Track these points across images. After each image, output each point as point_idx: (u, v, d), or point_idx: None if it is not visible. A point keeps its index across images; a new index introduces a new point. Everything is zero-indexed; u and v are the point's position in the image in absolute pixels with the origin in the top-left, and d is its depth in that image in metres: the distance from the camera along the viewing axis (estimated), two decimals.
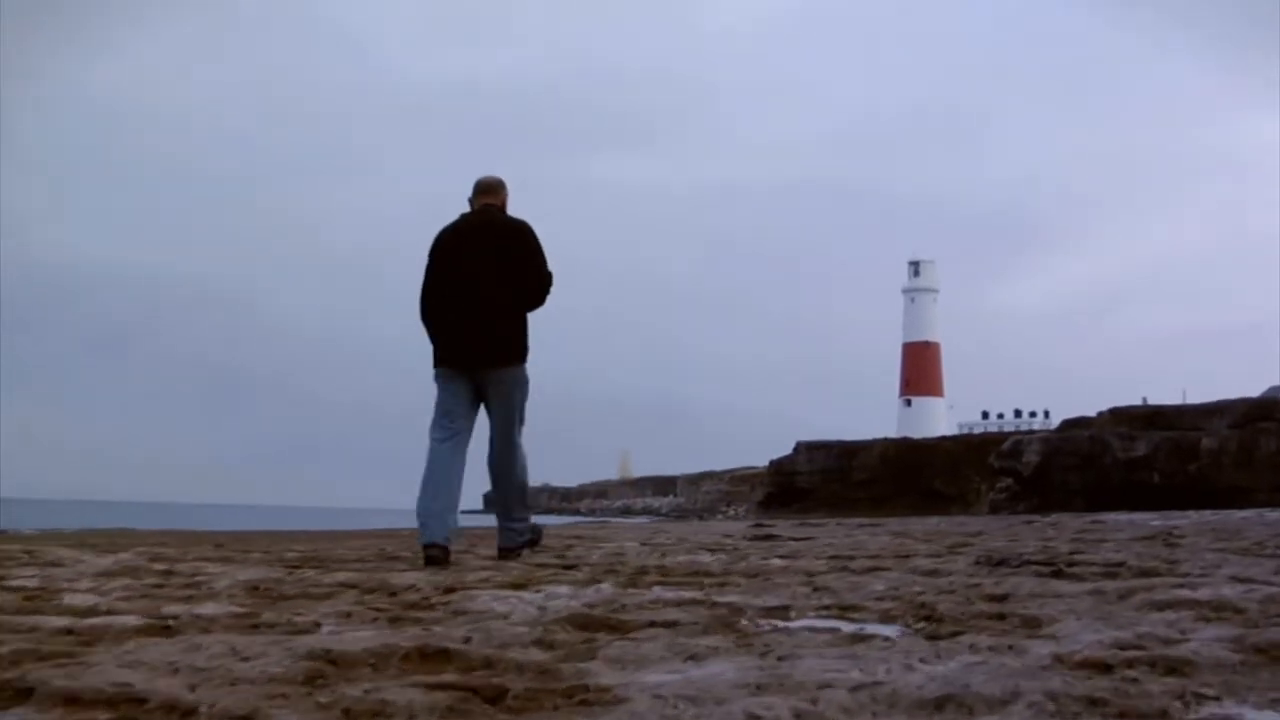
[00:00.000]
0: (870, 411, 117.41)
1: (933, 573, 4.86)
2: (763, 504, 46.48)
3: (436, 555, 6.35)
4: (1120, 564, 4.99)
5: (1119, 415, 35.76)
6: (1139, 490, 31.75)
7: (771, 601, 3.78)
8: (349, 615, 3.37)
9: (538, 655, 2.60)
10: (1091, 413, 38.59)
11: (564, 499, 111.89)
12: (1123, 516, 19.05)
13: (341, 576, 4.78)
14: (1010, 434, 41.10)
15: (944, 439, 45.98)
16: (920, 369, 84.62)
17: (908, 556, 6.04)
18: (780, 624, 3.26)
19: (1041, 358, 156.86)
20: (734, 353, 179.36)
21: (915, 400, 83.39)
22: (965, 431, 64.83)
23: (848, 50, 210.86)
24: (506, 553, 6.98)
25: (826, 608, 3.68)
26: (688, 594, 4.02)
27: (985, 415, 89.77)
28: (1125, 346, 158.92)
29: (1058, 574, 4.49)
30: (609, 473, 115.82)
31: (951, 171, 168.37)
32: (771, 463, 46.58)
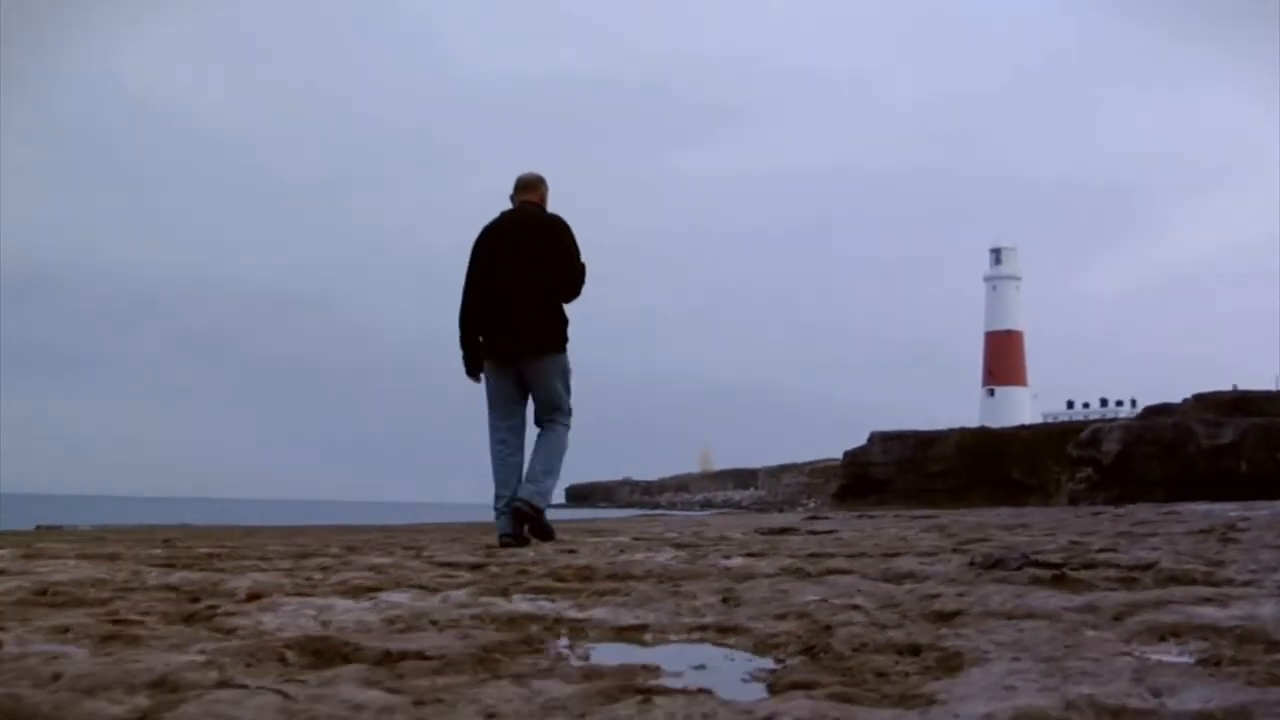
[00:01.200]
0: (953, 401, 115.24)
1: (904, 577, 3.94)
2: (837, 496, 45.36)
3: (509, 542, 6.88)
4: (1149, 565, 4.00)
5: (1204, 401, 34.18)
6: (1225, 479, 30.23)
7: (635, 619, 2.88)
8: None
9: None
10: (1179, 400, 37.03)
11: (644, 492, 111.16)
12: (1201, 507, 17.80)
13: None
14: (1090, 422, 39.61)
15: (1022, 428, 44.41)
16: (1003, 358, 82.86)
17: (895, 555, 5.06)
18: (579, 657, 2.37)
19: (1130, 344, 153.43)
20: (816, 343, 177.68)
21: (998, 390, 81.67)
22: (1050, 421, 63.02)
23: (921, 36, 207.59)
24: (524, 513, 7.17)
25: (703, 629, 2.80)
26: (530, 607, 3.11)
27: (1070, 405, 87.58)
28: (1216, 332, 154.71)
29: (1059, 580, 3.53)
30: (691, 466, 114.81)
31: (1036, 155, 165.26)
32: (846, 454, 45.38)
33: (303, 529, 11.31)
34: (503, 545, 6.75)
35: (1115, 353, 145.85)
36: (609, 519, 18.46)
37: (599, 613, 3.00)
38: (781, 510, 53.20)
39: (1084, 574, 3.65)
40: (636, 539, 7.82)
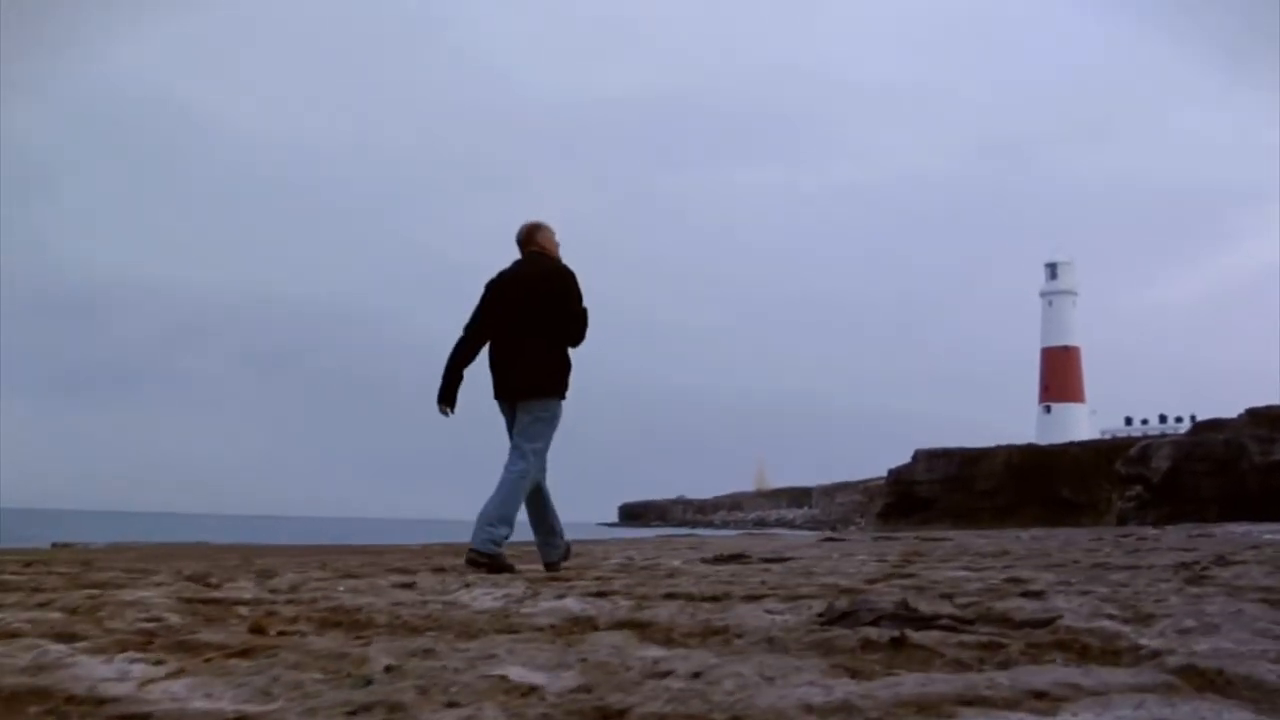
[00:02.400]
0: (1009, 418, 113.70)
1: (716, 632, 3.49)
2: (881, 515, 44.66)
3: (474, 559, 7.43)
4: (1047, 622, 3.49)
5: (1258, 416, 33.18)
6: (1279, 497, 29.32)
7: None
8: None
9: None
10: (1235, 416, 36.02)
11: (698, 511, 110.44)
12: (1240, 528, 17.13)
13: None
14: (1139, 438, 38.74)
15: (1072, 444, 43.44)
16: (1060, 374, 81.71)
17: (761, 597, 4.58)
18: None
19: (1193, 359, 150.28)
20: (873, 357, 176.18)
21: (1055, 407, 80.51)
22: (1108, 438, 61.72)
23: (979, 49, 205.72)
24: (477, 555, 7.48)
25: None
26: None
27: (1129, 421, 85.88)
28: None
29: (897, 643, 3.03)
30: (746, 484, 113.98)
31: (1094, 168, 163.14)
32: (890, 472, 44.58)
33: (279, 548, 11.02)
34: (467, 562, 7.54)
35: (1177, 368, 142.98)
36: (613, 540, 18.02)
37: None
38: (835, 529, 52.44)
39: (937, 636, 3.16)
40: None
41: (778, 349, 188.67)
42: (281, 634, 3.72)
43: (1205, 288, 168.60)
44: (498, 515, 7.60)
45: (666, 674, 2.65)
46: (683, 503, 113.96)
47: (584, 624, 3.83)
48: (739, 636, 3.44)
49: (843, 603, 3.88)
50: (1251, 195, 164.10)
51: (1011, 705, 2.22)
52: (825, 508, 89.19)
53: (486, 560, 7.41)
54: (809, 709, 2.20)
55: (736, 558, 8.92)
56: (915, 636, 3.09)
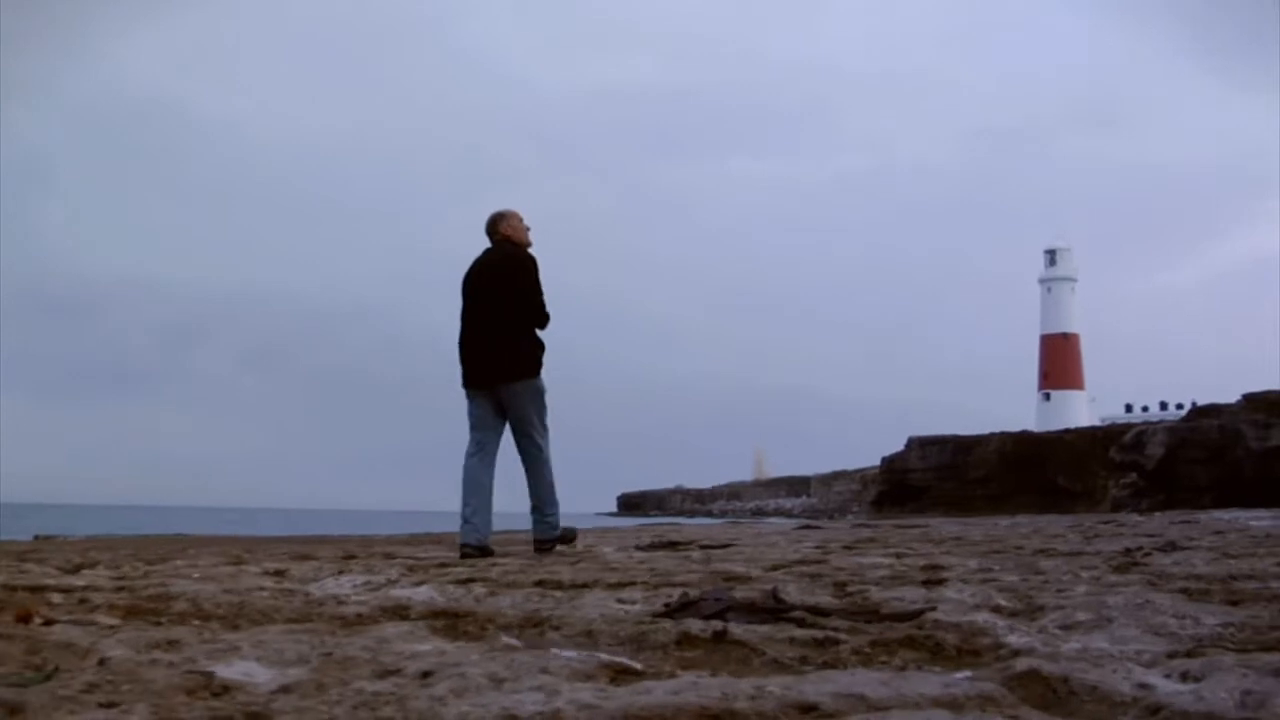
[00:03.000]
0: (1010, 405, 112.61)
1: (536, 624, 2.99)
2: (875, 504, 44.12)
3: (470, 553, 7.45)
4: (914, 615, 3.01)
5: (1255, 401, 32.59)
6: (1275, 484, 28.73)
7: None
8: None
9: None
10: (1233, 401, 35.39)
11: (696, 500, 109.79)
12: (1231, 515, 16.60)
13: None
14: (1135, 425, 38.13)
15: (1066, 432, 42.79)
16: (1059, 361, 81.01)
17: (627, 585, 4.09)
18: None
19: (1193, 347, 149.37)
20: (873, 346, 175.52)
21: (1054, 394, 79.79)
22: (1104, 425, 61.02)
23: (979, 38, 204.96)
24: (542, 544, 7.94)
25: None
26: None
27: (1129, 408, 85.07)
28: None
29: (717, 637, 2.59)
30: (745, 473, 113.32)
31: (1095, 156, 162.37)
32: (883, 460, 44.00)
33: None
34: (463, 556, 7.35)
35: (1178, 355, 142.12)
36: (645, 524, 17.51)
37: None
38: (832, 518, 51.92)
39: (766, 631, 2.68)
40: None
41: (777, 339, 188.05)
42: (49, 623, 3.26)
43: (1207, 275, 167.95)
44: (547, 507, 8.06)
45: (394, 673, 2.17)
46: (681, 492, 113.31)
47: (392, 613, 3.33)
48: (556, 629, 2.97)
49: (698, 592, 3.39)
50: (1253, 182, 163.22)
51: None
52: (823, 497, 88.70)
53: (551, 543, 7.97)
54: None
55: (673, 545, 8.46)
56: (738, 631, 2.59)
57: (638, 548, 8.36)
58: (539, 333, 8.23)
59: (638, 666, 2.25)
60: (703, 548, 7.96)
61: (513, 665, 2.14)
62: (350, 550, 8.47)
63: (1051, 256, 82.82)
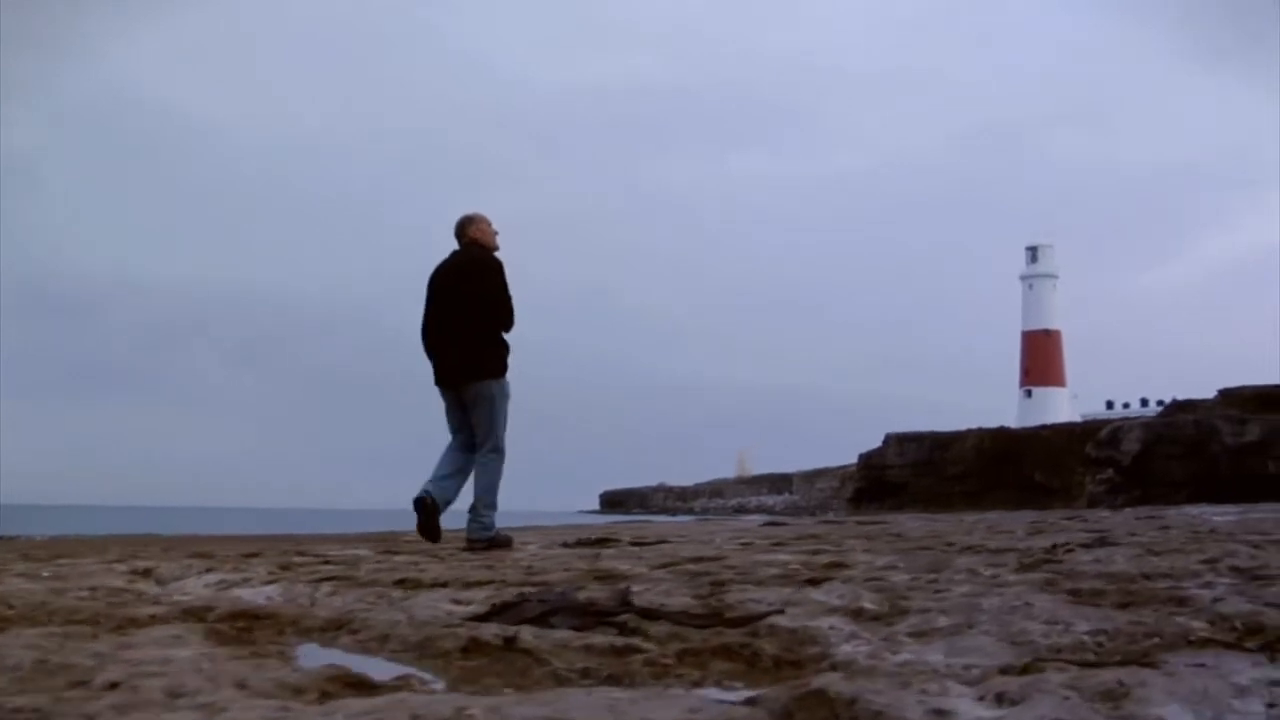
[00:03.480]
0: (992, 402, 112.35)
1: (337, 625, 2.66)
2: (853, 500, 43.85)
3: (474, 547, 7.78)
4: (759, 618, 2.69)
5: (1230, 397, 32.38)
6: (1251, 480, 28.50)
7: None
8: None
9: None
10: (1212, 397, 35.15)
11: (679, 498, 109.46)
12: (1198, 510, 16.35)
13: None
14: (1110, 421, 37.88)
15: (1044, 428, 42.54)
16: (1040, 358, 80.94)
17: (483, 585, 3.76)
18: None
19: (1175, 344, 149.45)
20: (856, 344, 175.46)
21: (1036, 391, 79.71)
22: (1081, 422, 60.87)
23: (965, 33, 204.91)
24: (473, 544, 7.93)
25: None
26: None
27: (1110, 405, 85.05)
28: (1269, 328, 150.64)
29: (507, 643, 2.26)
30: (729, 471, 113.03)
31: (1078, 153, 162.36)
32: (860, 456, 43.71)
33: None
34: (415, 507, 8.21)
35: (1160, 352, 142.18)
36: (542, 527, 17.21)
37: None
38: (813, 514, 51.71)
39: (562, 638, 2.39)
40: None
41: (760, 335, 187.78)
42: None
43: (1189, 272, 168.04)
44: (484, 502, 8.21)
45: (81, 684, 1.86)
46: (664, 490, 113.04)
47: (190, 614, 3.01)
48: (354, 633, 2.67)
49: (532, 591, 3.07)
50: (1237, 181, 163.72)
51: None
52: (805, 494, 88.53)
53: (484, 544, 7.90)
54: None
55: (602, 542, 8.25)
56: (529, 639, 2.28)
57: (563, 545, 8.04)
58: (505, 335, 8.49)
59: (376, 679, 1.92)
60: (632, 544, 7.65)
61: (214, 677, 1.81)
62: (266, 548, 8.12)
63: (1033, 253, 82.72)
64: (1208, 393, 34.55)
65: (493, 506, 8.26)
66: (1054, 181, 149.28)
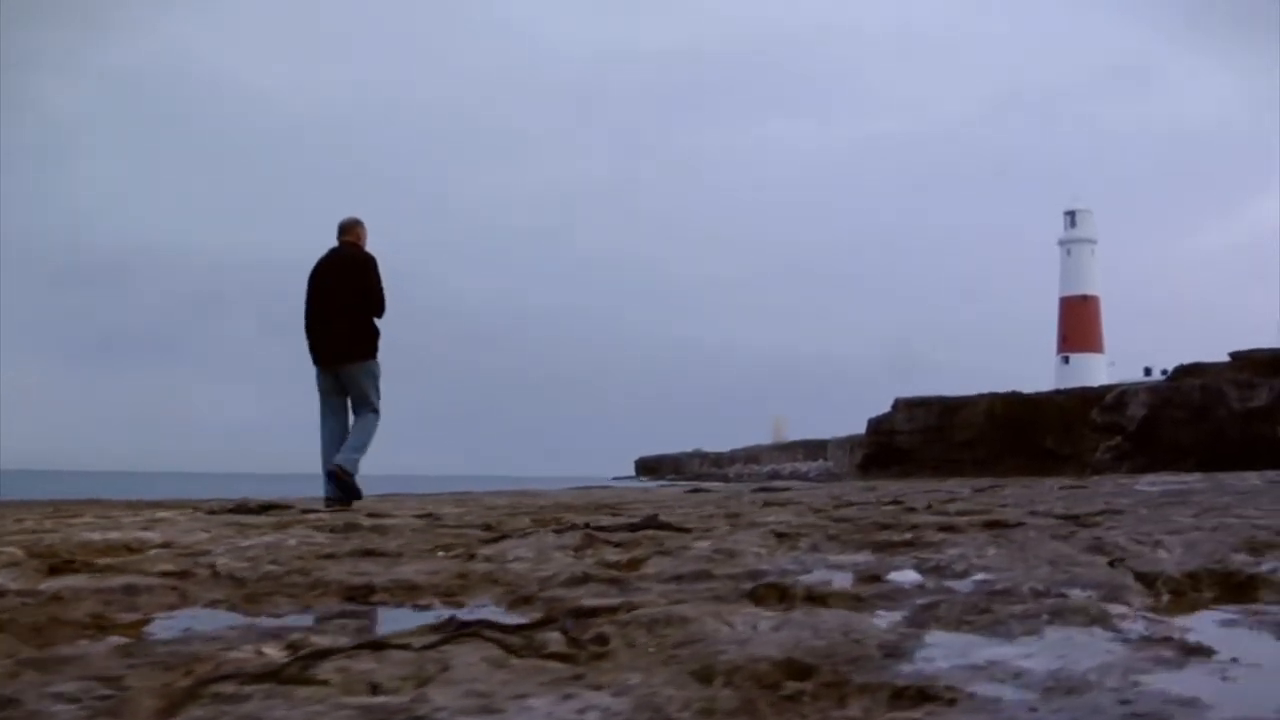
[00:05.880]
0: (1029, 368, 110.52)
1: None
2: (861, 466, 42.90)
3: (334, 505, 8.82)
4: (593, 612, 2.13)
5: (1240, 360, 31.19)
6: (1259, 447, 27.38)
7: None
8: None
9: None
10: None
11: (714, 464, 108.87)
12: (1148, 479, 15.50)
13: None
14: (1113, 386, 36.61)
15: (1057, 392, 41.32)
16: (1078, 324, 79.65)
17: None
18: None
19: (1219, 309, 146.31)
20: (894, 310, 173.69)
21: (1073, 357, 78.43)
22: (1095, 387, 59.56)
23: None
24: (342, 472, 9.19)
25: None
26: None
27: (1148, 372, 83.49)
28: None
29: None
30: (765, 437, 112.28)
31: (1120, 116, 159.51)
32: (869, 422, 42.71)
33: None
34: (327, 505, 8.86)
35: (1201, 318, 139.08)
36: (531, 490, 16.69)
37: None
38: (841, 479, 50.83)
39: None
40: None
41: (797, 302, 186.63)
42: None
43: (1233, 236, 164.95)
44: (356, 444, 9.40)
45: None
46: (699, 456, 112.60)
47: None
48: None
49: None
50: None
51: None
52: (839, 460, 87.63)
53: (344, 476, 9.15)
54: None
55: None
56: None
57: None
58: (378, 321, 9.66)
59: None
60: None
61: None
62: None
63: (1071, 218, 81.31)
64: None
65: (362, 452, 9.40)
66: (1093, 145, 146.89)
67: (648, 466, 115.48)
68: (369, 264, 9.63)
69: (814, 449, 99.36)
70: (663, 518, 5.61)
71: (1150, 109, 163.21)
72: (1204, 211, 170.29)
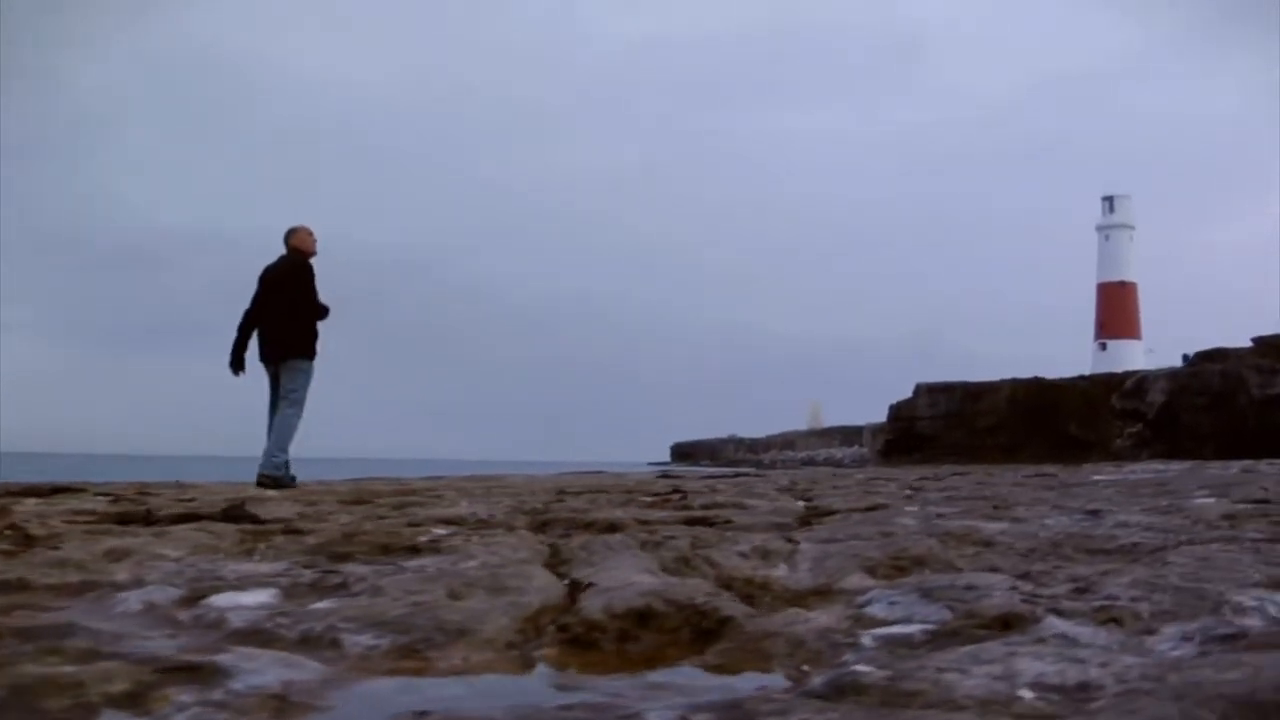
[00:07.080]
0: (1068, 354, 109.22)
1: None
2: (883, 453, 42.61)
3: (263, 481, 9.87)
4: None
5: (1264, 346, 30.71)
6: (1278, 433, 26.91)
7: None
8: None
9: None
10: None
11: (750, 450, 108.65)
12: (1140, 467, 15.18)
13: None
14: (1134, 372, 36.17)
15: (1080, 378, 40.83)
16: (1116, 310, 78.72)
17: None
18: None
19: (1258, 296, 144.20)
20: (932, 297, 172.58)
21: (1110, 343, 77.51)
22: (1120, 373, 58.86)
23: None
24: (262, 478, 9.95)
25: None
26: None
27: (1186, 358, 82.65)
28: None
29: None
30: (802, 423, 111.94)
31: (1159, 105, 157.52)
32: (890, 408, 42.32)
33: None
34: (257, 483, 9.84)
35: (1240, 305, 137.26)
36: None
37: None
38: (877, 464, 50.46)
39: None
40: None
41: (833, 288, 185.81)
42: None
43: (1271, 224, 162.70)
44: (277, 446, 10.23)
45: None
46: (734, 441, 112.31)
47: None
48: None
49: None
50: None
51: None
52: (873, 446, 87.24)
53: (271, 481, 9.82)
54: None
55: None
56: None
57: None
58: (319, 322, 10.69)
59: None
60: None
61: None
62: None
63: (1110, 204, 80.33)
64: None
65: (284, 450, 10.25)
66: (1133, 132, 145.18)
67: (683, 452, 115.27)
68: (303, 273, 10.68)
69: (850, 435, 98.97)
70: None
71: (1187, 97, 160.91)
72: (1243, 197, 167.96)
